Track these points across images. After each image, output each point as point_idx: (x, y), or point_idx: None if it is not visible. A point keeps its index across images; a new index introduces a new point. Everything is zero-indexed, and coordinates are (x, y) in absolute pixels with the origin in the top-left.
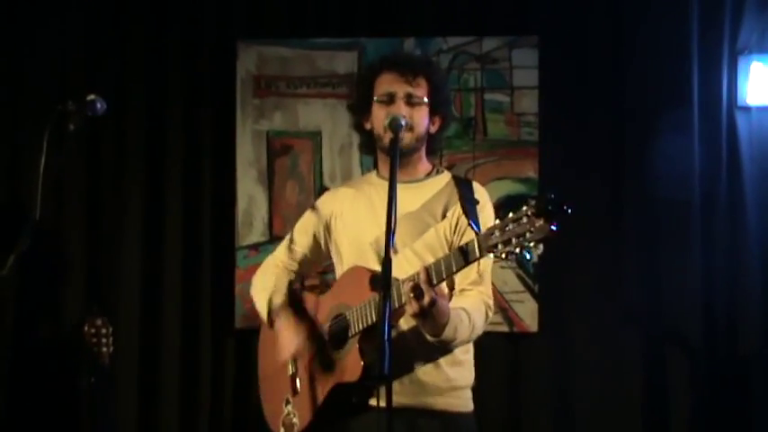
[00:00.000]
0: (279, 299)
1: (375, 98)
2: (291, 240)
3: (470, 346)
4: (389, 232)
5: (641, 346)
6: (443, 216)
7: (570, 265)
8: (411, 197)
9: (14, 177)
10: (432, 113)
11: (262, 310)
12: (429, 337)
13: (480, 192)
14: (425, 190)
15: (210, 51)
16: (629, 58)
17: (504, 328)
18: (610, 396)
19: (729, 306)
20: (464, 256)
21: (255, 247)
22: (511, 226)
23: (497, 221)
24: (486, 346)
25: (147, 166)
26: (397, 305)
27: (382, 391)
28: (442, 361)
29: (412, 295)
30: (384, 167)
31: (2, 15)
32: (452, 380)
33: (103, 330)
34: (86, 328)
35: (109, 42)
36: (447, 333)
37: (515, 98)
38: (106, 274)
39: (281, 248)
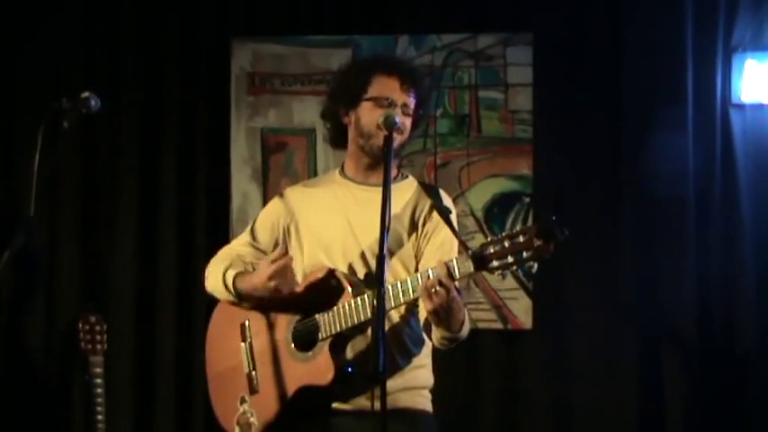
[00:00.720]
0: (237, 270)
1: (369, 97)
2: (253, 237)
3: (430, 349)
4: (384, 230)
5: (636, 344)
6: (412, 223)
7: (564, 261)
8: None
9: (8, 175)
10: (412, 125)
11: (219, 287)
12: (444, 334)
13: (447, 199)
14: (395, 194)
15: (205, 49)
16: (624, 56)
17: (499, 326)
18: (605, 393)
19: (725, 303)
20: (457, 268)
21: None
22: (506, 243)
23: (493, 238)
24: (480, 343)
25: (141, 164)
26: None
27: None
28: (411, 365)
29: (434, 290)
30: (353, 167)
31: None
32: (415, 379)
33: (97, 328)
34: (80, 326)
35: (103, 40)
36: (463, 330)
37: (510, 95)
38: (100, 271)
39: (241, 243)
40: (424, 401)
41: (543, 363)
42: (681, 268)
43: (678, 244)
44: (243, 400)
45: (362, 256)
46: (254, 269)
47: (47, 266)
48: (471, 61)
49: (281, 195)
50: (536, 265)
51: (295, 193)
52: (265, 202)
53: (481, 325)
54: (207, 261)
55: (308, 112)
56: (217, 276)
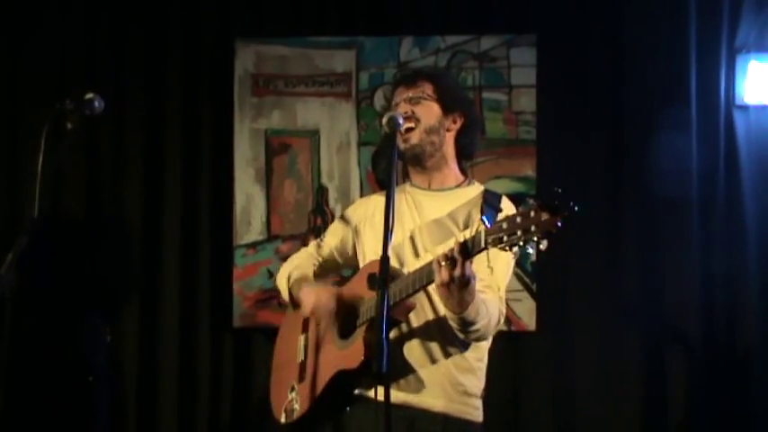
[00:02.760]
0: (300, 273)
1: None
2: (321, 239)
3: (485, 355)
4: (387, 231)
5: (640, 345)
6: (465, 225)
7: (568, 263)
8: (441, 205)
9: (13, 176)
10: (446, 111)
11: (283, 287)
12: (451, 315)
13: (507, 205)
14: (454, 199)
15: (209, 50)
16: (628, 57)
17: (503, 327)
18: (608, 394)
19: (728, 304)
20: (472, 244)
21: (253, 245)
22: (518, 219)
23: (505, 216)
24: None
25: (145, 165)
26: (408, 292)
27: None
28: (452, 364)
29: (445, 263)
30: (415, 175)
31: (0, 14)
32: (461, 384)
33: (101, 329)
34: (84, 327)
35: (107, 41)
36: (470, 311)
37: (513, 97)
38: (104, 272)
39: (310, 246)
40: (470, 410)
41: (547, 364)
42: (684, 269)
43: (681, 245)
44: (292, 389)
45: (415, 252)
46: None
47: (51, 267)
48: (475, 63)
49: (342, 218)
50: (545, 242)
51: (359, 206)
52: (269, 203)
53: None
54: (210, 261)
55: (311, 113)
56: (283, 275)
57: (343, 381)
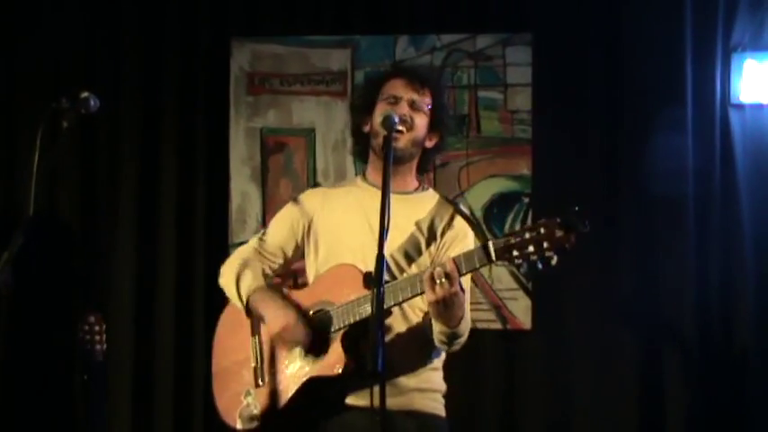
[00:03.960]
0: (254, 282)
1: (379, 100)
2: (264, 232)
3: (443, 357)
4: (383, 230)
5: (635, 343)
6: (431, 233)
7: (564, 261)
8: (402, 209)
9: (8, 175)
10: (431, 127)
11: (232, 292)
12: (442, 329)
13: (466, 211)
14: (415, 204)
15: (204, 48)
16: (623, 56)
17: (498, 326)
18: (604, 393)
19: (724, 302)
20: (486, 255)
21: None
22: (527, 235)
23: (514, 230)
24: (479, 343)
25: (140, 164)
26: (397, 300)
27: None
28: (426, 367)
29: (439, 282)
30: (373, 172)
31: None
32: (427, 381)
33: (97, 327)
34: (80, 325)
35: (103, 40)
36: (461, 327)
37: (509, 95)
38: (100, 270)
39: (253, 240)
40: (438, 406)
41: (542, 363)
42: (680, 268)
43: (677, 244)
44: (247, 393)
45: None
46: (273, 267)
47: (46, 266)
48: (471, 61)
49: (296, 200)
50: (556, 258)
51: (313, 196)
52: (264, 201)
53: (480, 325)
54: (206, 260)
55: (307, 112)
56: (230, 282)
57: (316, 387)
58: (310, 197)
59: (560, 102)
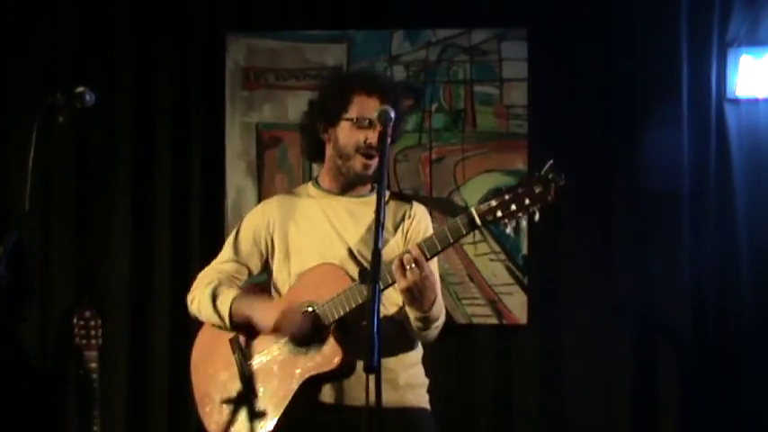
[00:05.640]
0: (232, 293)
1: (349, 117)
2: (236, 252)
3: (421, 350)
4: (378, 225)
5: (631, 338)
6: (395, 229)
7: (559, 256)
8: (364, 211)
9: (3, 170)
10: (392, 143)
11: (208, 312)
12: (416, 314)
13: (416, 205)
14: (369, 205)
15: (199, 43)
16: (619, 51)
17: (494, 321)
18: (599, 388)
19: (719, 297)
20: (458, 229)
21: None
22: (507, 196)
23: (495, 194)
24: (475, 338)
25: (135, 159)
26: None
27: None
28: (405, 361)
29: (409, 268)
30: (329, 181)
31: None
32: (415, 376)
33: (92, 323)
34: (75, 321)
35: (98, 35)
36: (435, 309)
37: (504, 90)
38: (95, 267)
39: (223, 258)
40: (425, 399)
41: (538, 357)
42: (675, 263)
43: (672, 238)
44: (239, 411)
45: (351, 253)
46: (239, 284)
47: (41, 262)
48: (466, 56)
49: (255, 212)
50: (538, 214)
51: (272, 206)
52: (260, 196)
53: (476, 320)
54: (202, 256)
55: (302, 107)
56: (204, 302)
57: (313, 387)
58: (270, 206)
59: (556, 97)
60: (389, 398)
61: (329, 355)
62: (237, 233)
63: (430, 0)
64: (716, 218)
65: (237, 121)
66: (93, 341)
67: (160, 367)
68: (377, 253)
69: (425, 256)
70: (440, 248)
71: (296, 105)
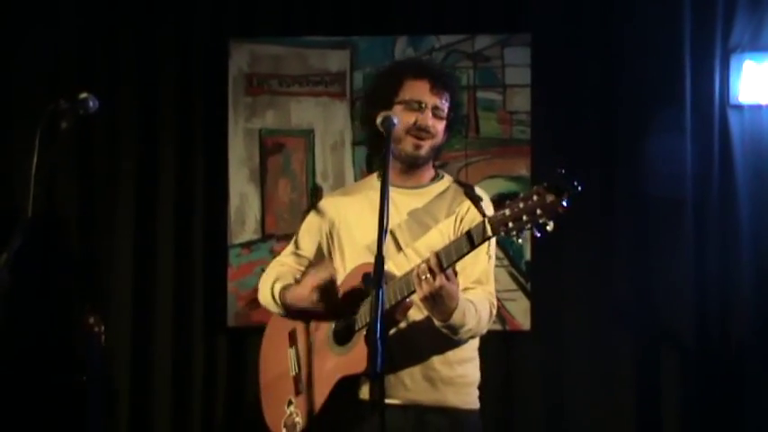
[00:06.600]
0: (283, 283)
1: (400, 100)
2: (297, 246)
3: (476, 344)
4: (382, 230)
5: (633, 345)
6: (446, 216)
7: (563, 263)
8: (417, 202)
9: (7, 176)
10: (447, 130)
11: (269, 300)
12: (438, 323)
13: (481, 192)
14: (429, 194)
15: (202, 50)
16: (622, 57)
17: (497, 327)
18: (602, 394)
19: (721, 304)
20: (471, 238)
21: (248, 245)
22: (521, 205)
23: (508, 201)
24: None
25: (139, 165)
26: (397, 299)
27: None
28: (452, 357)
29: (424, 278)
30: (392, 172)
31: None
32: (463, 376)
33: (96, 328)
34: (79, 326)
35: (101, 41)
36: (456, 317)
37: (508, 96)
38: (98, 272)
39: (286, 254)
40: (472, 399)
41: (541, 364)
42: (678, 269)
43: (675, 245)
44: (289, 403)
45: (398, 247)
46: (301, 277)
47: (45, 267)
48: (469, 62)
49: (316, 209)
50: (551, 224)
51: (330, 203)
52: (263, 202)
53: None
54: (205, 261)
55: (305, 113)
56: (266, 290)
57: (348, 387)
58: (328, 203)
59: (559, 103)
60: (428, 397)
61: (357, 358)
62: (299, 231)
63: (433, 6)
64: (719, 223)
65: (240, 126)
66: (97, 346)
67: (163, 372)
68: (380, 258)
69: (442, 266)
70: (455, 258)
71: (299, 111)
